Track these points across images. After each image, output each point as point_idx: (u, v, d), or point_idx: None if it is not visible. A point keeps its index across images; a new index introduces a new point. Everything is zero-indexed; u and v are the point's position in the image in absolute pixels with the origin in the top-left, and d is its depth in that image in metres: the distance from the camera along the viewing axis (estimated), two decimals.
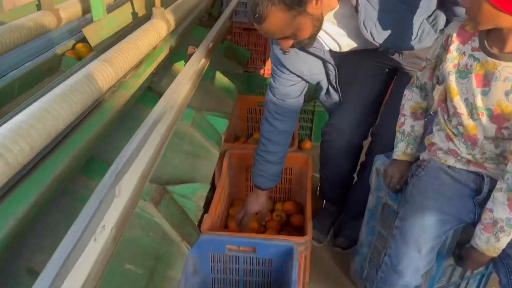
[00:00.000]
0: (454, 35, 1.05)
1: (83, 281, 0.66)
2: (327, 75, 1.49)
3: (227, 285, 1.42)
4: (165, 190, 1.16)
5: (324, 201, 1.94)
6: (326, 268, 1.74)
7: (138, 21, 1.82)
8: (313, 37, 1.26)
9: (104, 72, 1.14)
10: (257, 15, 1.15)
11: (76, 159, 0.97)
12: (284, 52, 1.32)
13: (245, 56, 2.69)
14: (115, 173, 0.75)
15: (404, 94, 1.28)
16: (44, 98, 0.93)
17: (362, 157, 1.72)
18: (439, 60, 1.13)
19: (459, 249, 1.17)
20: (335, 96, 1.56)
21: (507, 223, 0.98)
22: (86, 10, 1.92)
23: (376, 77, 1.59)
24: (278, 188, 1.90)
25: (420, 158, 1.23)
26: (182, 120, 1.45)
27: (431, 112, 1.31)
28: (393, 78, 1.62)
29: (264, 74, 3.01)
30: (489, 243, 1.01)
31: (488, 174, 1.09)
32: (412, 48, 1.36)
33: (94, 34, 1.46)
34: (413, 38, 1.33)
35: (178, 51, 1.84)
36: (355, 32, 1.34)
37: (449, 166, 1.14)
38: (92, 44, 1.45)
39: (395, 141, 1.29)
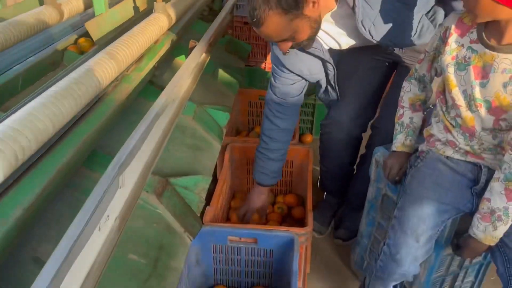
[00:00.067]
0: (453, 27, 1.05)
1: (88, 270, 0.68)
2: (326, 74, 1.50)
3: (229, 275, 1.44)
4: (168, 182, 1.17)
5: (325, 193, 1.95)
6: (326, 259, 1.76)
7: (139, 15, 1.83)
8: (311, 38, 1.27)
9: (107, 66, 1.16)
10: (255, 19, 1.16)
11: (80, 152, 0.98)
12: (284, 53, 1.33)
13: (246, 50, 2.69)
14: (118, 164, 0.76)
15: (402, 86, 1.28)
16: (48, 91, 0.94)
17: (362, 150, 1.73)
18: (438, 52, 1.13)
19: (457, 238, 1.18)
20: (333, 95, 1.57)
21: (504, 212, 0.99)
22: (88, 4, 1.93)
23: (376, 70, 1.59)
24: (279, 181, 1.90)
25: (419, 149, 1.24)
26: (184, 113, 1.46)
27: (430, 105, 1.32)
28: (393, 71, 1.63)
29: (265, 68, 3.01)
30: (486, 232, 1.03)
31: (486, 165, 1.10)
32: (412, 44, 1.37)
33: (96, 28, 1.48)
34: (412, 34, 1.33)
35: (180, 45, 1.85)
36: (355, 32, 1.35)
37: (447, 157, 1.15)
38: (95, 38, 1.47)
39: (394, 133, 1.29)
